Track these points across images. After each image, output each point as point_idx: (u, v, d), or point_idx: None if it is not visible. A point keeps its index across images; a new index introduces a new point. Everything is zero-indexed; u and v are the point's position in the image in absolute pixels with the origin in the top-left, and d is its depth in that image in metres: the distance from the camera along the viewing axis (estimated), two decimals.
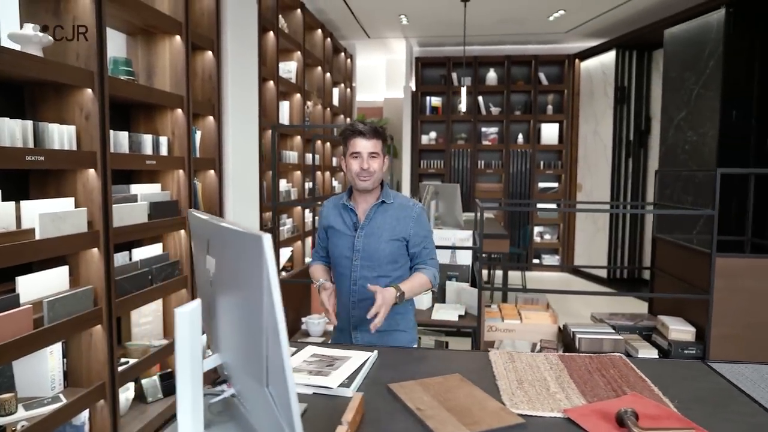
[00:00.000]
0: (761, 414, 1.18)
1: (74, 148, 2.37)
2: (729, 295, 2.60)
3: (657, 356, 2.61)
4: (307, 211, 5.57)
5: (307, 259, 5.50)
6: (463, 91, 6.30)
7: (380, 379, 1.34)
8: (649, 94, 6.51)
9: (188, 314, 1.01)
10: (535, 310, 3.20)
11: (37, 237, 2.12)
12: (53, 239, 2.16)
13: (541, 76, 7.46)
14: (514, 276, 6.72)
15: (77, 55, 2.39)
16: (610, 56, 6.62)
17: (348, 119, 7.40)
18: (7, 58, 1.97)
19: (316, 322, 2.87)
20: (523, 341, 2.91)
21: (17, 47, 2.15)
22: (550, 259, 7.55)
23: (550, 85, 7.45)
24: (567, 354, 1.52)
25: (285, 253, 4.91)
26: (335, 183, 6.82)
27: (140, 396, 3.03)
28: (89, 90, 2.39)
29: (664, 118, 5.45)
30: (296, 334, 3.05)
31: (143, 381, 3.04)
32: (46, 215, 2.14)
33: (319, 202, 5.35)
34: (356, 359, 1.42)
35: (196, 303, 1.02)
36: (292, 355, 1.49)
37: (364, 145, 1.93)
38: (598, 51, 6.85)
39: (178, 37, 3.13)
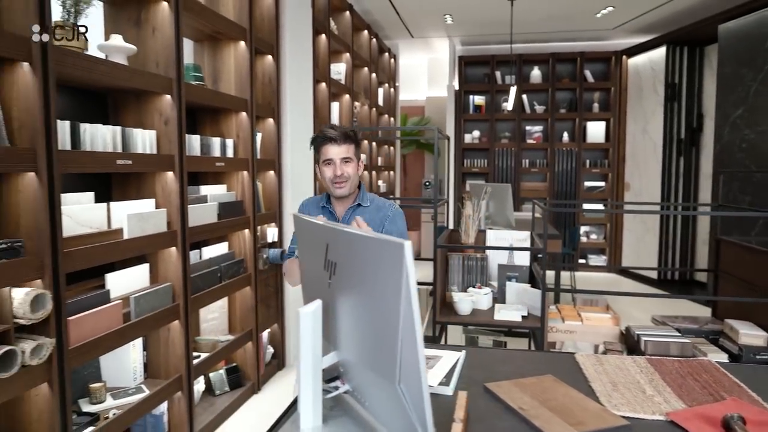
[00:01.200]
0: None
1: (154, 151, 2.49)
2: None
3: (728, 361, 2.57)
4: None
5: None
6: (512, 90, 6.27)
7: (474, 378, 1.37)
8: (701, 90, 6.34)
9: (311, 314, 1.07)
10: (595, 312, 3.19)
11: (125, 237, 2.23)
12: (138, 238, 2.28)
13: (587, 73, 7.35)
14: (563, 276, 6.66)
15: (156, 64, 2.50)
16: (659, 52, 6.47)
17: (392, 119, 7.45)
18: (102, 68, 2.08)
19: None
20: (585, 343, 2.90)
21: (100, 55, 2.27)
22: (596, 260, 7.44)
23: (596, 82, 7.33)
24: (655, 357, 1.52)
25: None
26: (380, 183, 6.88)
27: (208, 389, 3.15)
28: (168, 96, 2.50)
29: (718, 116, 5.31)
30: None
31: (211, 375, 3.16)
32: (133, 216, 2.26)
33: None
34: (448, 358, 1.45)
35: (318, 303, 1.08)
36: None
37: (335, 151, 1.90)
38: (647, 47, 6.71)
39: (242, 43, 3.23)
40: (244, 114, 3.26)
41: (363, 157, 2.03)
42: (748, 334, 2.63)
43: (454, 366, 1.40)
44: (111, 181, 2.58)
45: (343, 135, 1.92)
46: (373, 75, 6.32)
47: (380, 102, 6.73)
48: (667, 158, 6.43)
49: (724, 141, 5.19)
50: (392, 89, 7.50)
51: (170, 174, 2.54)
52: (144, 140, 2.42)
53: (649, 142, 6.68)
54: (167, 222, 2.52)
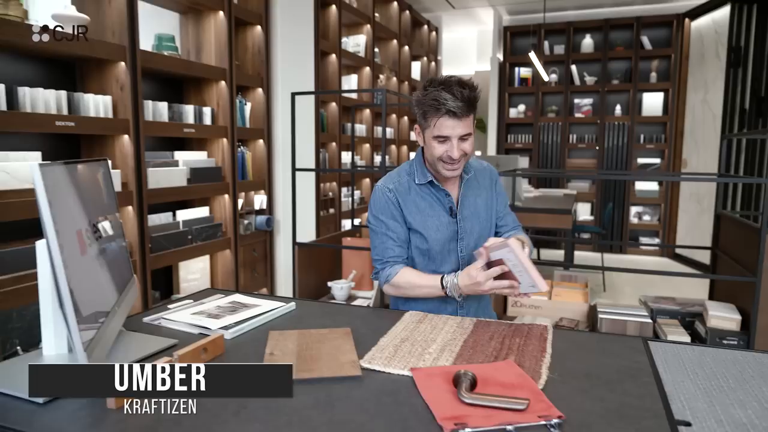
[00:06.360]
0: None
1: (110, 115, 2.62)
2: None
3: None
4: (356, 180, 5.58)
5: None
6: (533, 57, 5.91)
7: (277, 328, 1.34)
8: None
9: (43, 246, 1.10)
10: (569, 288, 2.98)
11: None
12: None
13: (644, 39, 6.73)
14: (593, 258, 6.27)
15: (113, 33, 2.63)
16: (723, 12, 5.79)
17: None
18: (57, 37, 2.22)
19: (339, 287, 2.91)
20: (545, 318, 2.72)
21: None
22: (649, 242, 6.90)
23: (655, 49, 6.70)
24: (485, 320, 1.40)
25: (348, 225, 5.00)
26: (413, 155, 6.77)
27: None
28: (122, 63, 2.62)
29: None
30: (323, 297, 3.13)
31: None
32: None
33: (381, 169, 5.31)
34: (263, 308, 1.42)
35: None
36: (219, 299, 1.55)
37: (454, 126, 1.41)
38: (710, 7, 6.02)
39: (221, 13, 3.30)
40: (223, 83, 3.34)
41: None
42: (717, 316, 2.33)
43: (261, 315, 1.37)
44: (80, 145, 2.76)
45: (466, 105, 1.40)
46: (405, 48, 6.21)
47: (416, 76, 6.60)
48: (727, 131, 5.78)
49: None
50: (433, 63, 7.32)
51: (126, 137, 2.67)
52: (97, 105, 2.56)
53: (708, 113, 6.03)
54: (123, 183, 2.66)
